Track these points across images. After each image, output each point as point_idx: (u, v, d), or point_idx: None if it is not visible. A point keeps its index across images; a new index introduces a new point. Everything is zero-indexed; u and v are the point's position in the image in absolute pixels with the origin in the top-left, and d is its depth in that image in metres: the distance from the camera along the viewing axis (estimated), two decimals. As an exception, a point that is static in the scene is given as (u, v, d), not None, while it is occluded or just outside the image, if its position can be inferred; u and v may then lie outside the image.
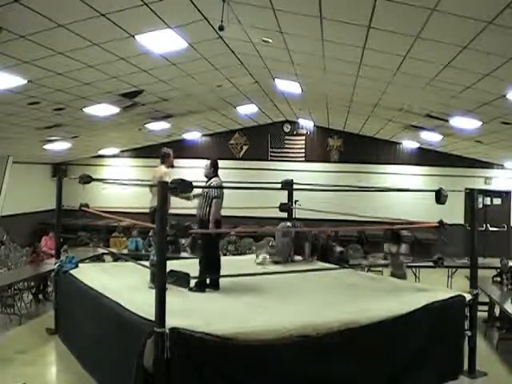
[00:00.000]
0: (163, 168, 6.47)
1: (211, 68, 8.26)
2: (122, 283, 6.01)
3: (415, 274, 9.77)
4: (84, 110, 9.35)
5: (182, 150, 14.66)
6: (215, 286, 6.05)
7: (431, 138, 12.17)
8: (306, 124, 15.67)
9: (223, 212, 6.39)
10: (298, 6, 5.22)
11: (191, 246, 10.93)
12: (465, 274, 7.68)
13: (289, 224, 8.23)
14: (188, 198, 6.31)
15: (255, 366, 4.37)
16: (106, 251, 10.57)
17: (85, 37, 5.87)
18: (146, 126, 12.42)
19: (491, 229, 14.35)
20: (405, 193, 13.50)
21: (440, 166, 14.66)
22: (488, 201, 14.83)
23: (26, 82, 7.04)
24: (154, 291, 4.40)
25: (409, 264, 9.02)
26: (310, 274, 6.81)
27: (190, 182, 5.04)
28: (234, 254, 11.06)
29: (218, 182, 6.43)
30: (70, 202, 8.08)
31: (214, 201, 6.14)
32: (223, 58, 7.92)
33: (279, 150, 15.88)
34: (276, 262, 7.84)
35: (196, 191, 6.05)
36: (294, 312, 5.01)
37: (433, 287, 6.47)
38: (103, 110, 9.59)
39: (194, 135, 15.62)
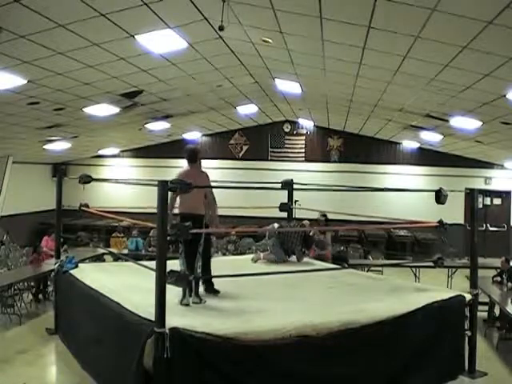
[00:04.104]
0: (200, 169, 5.87)
1: (211, 68, 8.26)
2: (122, 283, 6.00)
3: (415, 274, 9.78)
4: (84, 110, 9.35)
5: (182, 150, 14.64)
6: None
7: (431, 137, 12.17)
8: (306, 124, 15.67)
9: (223, 211, 6.38)
10: (298, 6, 5.22)
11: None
12: (465, 273, 7.68)
13: (276, 225, 8.18)
14: None
15: (255, 366, 4.36)
16: (105, 251, 10.57)
17: (85, 37, 5.87)
18: (146, 126, 12.43)
19: (491, 229, 14.36)
20: (405, 193, 13.50)
21: (440, 165, 14.66)
22: (488, 201, 14.84)
23: (25, 82, 7.04)
24: (154, 291, 4.38)
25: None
26: (310, 273, 6.81)
27: (190, 183, 5.03)
28: (234, 254, 11.07)
29: None
30: (70, 202, 8.07)
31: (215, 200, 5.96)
32: (223, 58, 7.92)
33: (279, 150, 15.88)
34: (272, 262, 7.82)
35: None
36: (293, 312, 5.00)
37: (433, 287, 6.45)
38: (103, 110, 9.58)
39: (194, 135, 15.62)
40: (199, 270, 5.54)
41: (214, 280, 5.85)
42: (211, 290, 5.77)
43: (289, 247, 8.02)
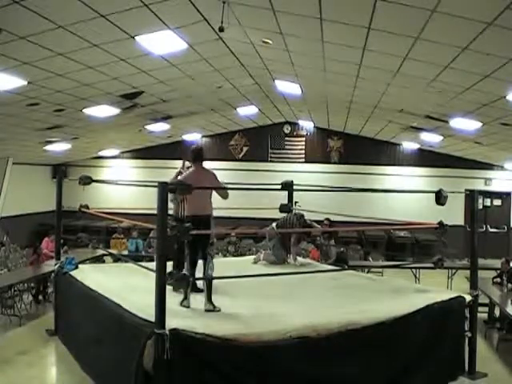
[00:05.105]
0: (205, 169, 5.73)
1: (211, 69, 8.26)
2: (122, 284, 6.00)
3: (415, 276, 9.77)
4: (84, 111, 9.35)
5: (182, 151, 14.66)
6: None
7: (431, 139, 12.17)
8: (306, 125, 15.67)
9: (223, 212, 6.39)
10: (298, 8, 5.23)
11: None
12: (465, 275, 7.68)
13: (273, 226, 8.15)
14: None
15: (256, 367, 4.36)
16: (105, 252, 10.55)
17: (85, 38, 5.87)
18: (146, 127, 12.43)
19: (491, 230, 14.36)
20: (405, 194, 13.48)
21: (440, 167, 14.65)
22: (488, 202, 14.84)
23: (25, 83, 7.04)
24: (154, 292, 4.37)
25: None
26: (310, 275, 6.81)
27: (190, 184, 5.02)
28: (234, 255, 11.06)
29: None
30: (70, 204, 8.07)
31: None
32: (223, 59, 7.92)
33: (279, 151, 15.88)
34: (272, 263, 7.81)
35: None
36: (294, 313, 5.00)
37: (433, 288, 6.45)
38: (103, 111, 9.58)
39: (194, 136, 15.62)
40: (210, 272, 5.42)
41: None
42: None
43: (288, 245, 8.00)
